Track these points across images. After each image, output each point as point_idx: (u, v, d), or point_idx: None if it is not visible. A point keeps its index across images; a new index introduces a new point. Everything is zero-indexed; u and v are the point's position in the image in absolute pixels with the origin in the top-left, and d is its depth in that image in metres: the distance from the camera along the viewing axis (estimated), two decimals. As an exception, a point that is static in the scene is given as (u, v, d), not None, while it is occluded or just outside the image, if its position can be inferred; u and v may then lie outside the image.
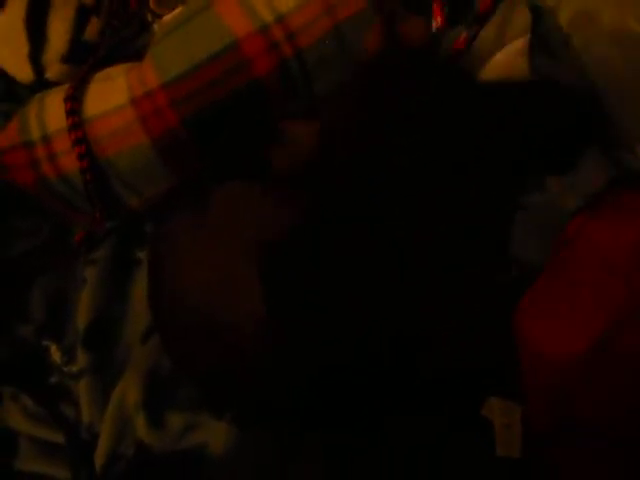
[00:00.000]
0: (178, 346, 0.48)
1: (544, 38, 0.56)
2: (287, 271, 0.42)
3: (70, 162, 0.45)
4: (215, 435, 0.50)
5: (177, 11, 0.55)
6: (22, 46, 0.51)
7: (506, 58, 0.55)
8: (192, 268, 0.44)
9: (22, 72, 0.52)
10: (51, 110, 0.46)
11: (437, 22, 0.52)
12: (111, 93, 0.45)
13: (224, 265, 0.43)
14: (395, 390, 0.44)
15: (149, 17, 0.58)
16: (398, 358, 0.43)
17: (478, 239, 0.46)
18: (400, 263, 0.43)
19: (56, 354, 0.55)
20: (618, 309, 0.37)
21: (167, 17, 0.58)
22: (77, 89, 0.46)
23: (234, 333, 0.43)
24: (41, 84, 0.52)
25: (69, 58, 0.52)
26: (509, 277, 0.48)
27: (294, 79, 0.46)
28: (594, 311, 0.38)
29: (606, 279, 0.39)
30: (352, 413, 0.45)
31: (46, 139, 0.46)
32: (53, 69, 0.52)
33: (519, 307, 0.43)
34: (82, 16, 0.53)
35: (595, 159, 0.50)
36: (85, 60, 0.51)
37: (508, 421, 0.46)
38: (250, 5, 0.44)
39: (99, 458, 0.51)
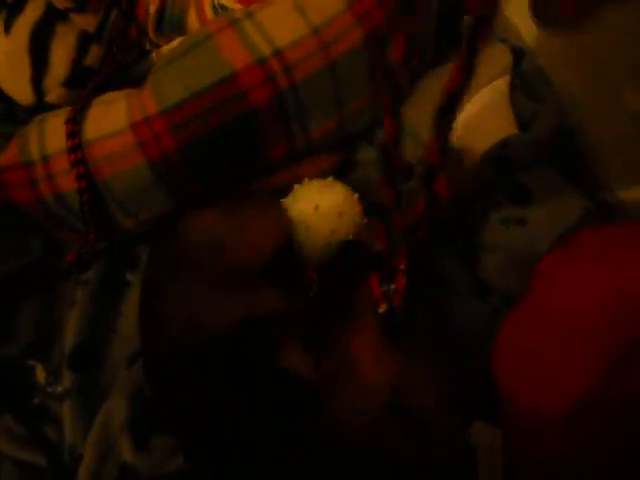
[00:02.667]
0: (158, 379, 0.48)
1: (525, 78, 0.59)
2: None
3: (68, 182, 0.46)
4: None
5: (176, 42, 0.57)
6: (25, 70, 0.52)
7: (490, 95, 0.57)
8: (172, 300, 0.45)
9: (23, 95, 0.53)
10: (52, 131, 0.47)
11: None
12: (111, 117, 0.46)
13: (196, 296, 0.44)
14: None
15: (148, 45, 0.60)
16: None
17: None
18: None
19: (41, 374, 0.55)
20: (590, 364, 0.37)
21: (165, 47, 0.60)
22: (78, 112, 0.47)
23: None
24: (41, 107, 0.53)
25: (70, 83, 0.53)
26: (489, 306, 0.49)
27: (288, 110, 0.47)
28: (568, 367, 0.37)
29: (573, 332, 0.38)
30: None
31: (45, 159, 0.46)
32: (54, 93, 0.53)
33: (495, 353, 0.43)
34: (84, 43, 0.54)
35: (571, 196, 0.52)
36: (85, 85, 0.53)
37: (489, 444, 0.46)
38: (249, 38, 0.46)
39: (82, 480, 0.50)
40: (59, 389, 0.54)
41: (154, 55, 0.60)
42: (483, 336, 0.44)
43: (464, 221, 0.52)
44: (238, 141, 0.47)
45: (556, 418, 0.37)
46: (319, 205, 0.46)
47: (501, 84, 0.58)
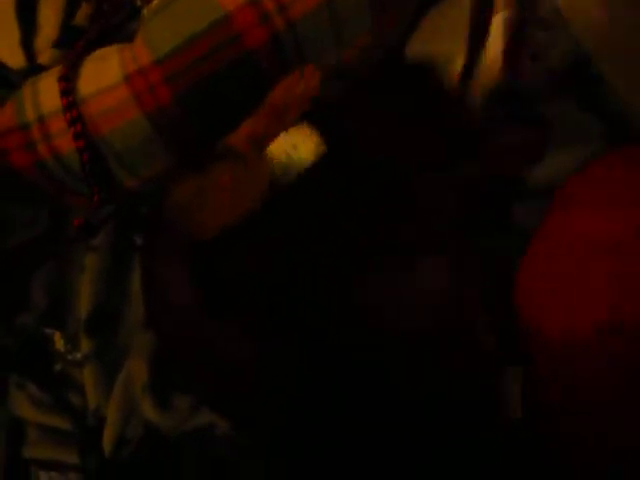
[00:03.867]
0: (172, 350, 0.48)
1: (533, 9, 0.56)
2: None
3: (66, 142, 0.45)
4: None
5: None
6: (13, 33, 0.51)
7: (496, 27, 0.55)
8: (176, 279, 0.45)
9: (14, 58, 0.52)
10: (45, 91, 0.46)
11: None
12: (104, 72, 0.45)
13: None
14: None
15: (139, 2, 0.59)
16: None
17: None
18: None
19: (59, 342, 0.55)
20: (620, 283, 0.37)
21: (155, 2, 0.58)
22: (70, 70, 0.46)
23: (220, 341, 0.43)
24: (33, 70, 0.52)
25: (60, 43, 0.52)
26: (508, 243, 0.48)
27: (287, 52, 0.46)
28: (597, 286, 0.37)
29: (600, 252, 0.38)
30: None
31: (41, 120, 0.46)
32: (45, 54, 0.52)
33: (519, 278, 0.42)
34: (72, 2, 0.53)
35: (591, 124, 0.50)
36: (76, 44, 0.52)
37: (508, 381, 0.46)
38: None
39: (107, 442, 0.51)
40: (78, 355, 0.54)
41: (145, 12, 0.59)
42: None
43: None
44: (236, 88, 0.46)
45: (586, 341, 0.36)
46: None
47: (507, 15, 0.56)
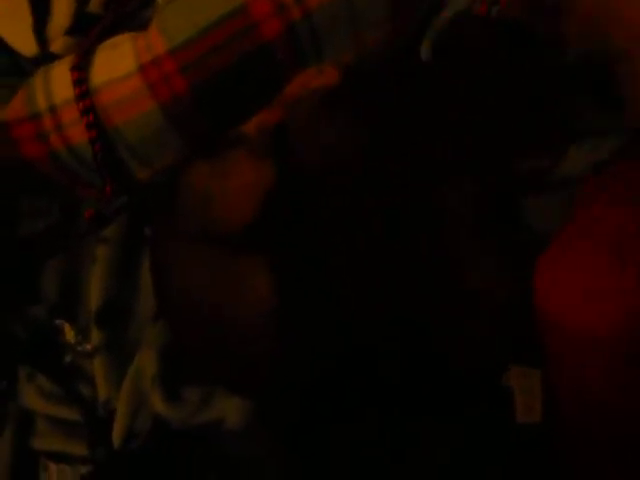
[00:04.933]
0: (187, 338, 0.48)
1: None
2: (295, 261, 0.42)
3: (79, 133, 0.45)
4: (231, 410, 0.50)
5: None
6: (26, 19, 0.50)
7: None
8: (193, 265, 0.45)
9: (26, 46, 0.51)
10: (58, 81, 0.46)
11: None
12: (118, 61, 0.45)
13: (220, 260, 0.43)
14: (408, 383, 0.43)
15: (153, -10, 0.58)
16: (408, 348, 0.43)
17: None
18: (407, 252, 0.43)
19: (70, 333, 0.55)
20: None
21: (171, -11, 0.57)
22: (83, 58, 0.45)
23: (241, 324, 0.43)
24: (46, 58, 0.51)
25: (73, 30, 0.51)
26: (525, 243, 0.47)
27: (303, 43, 0.45)
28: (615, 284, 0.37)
29: (620, 250, 0.38)
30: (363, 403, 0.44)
31: (53, 110, 0.45)
32: (58, 42, 0.51)
33: (538, 273, 0.42)
34: (85, -12, 0.52)
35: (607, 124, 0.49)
36: (90, 32, 0.51)
37: (528, 386, 0.45)
38: None
39: (116, 434, 0.51)
40: (88, 347, 0.54)
41: (160, 0, 0.58)
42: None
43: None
44: (252, 78, 0.45)
45: (602, 336, 0.35)
46: None
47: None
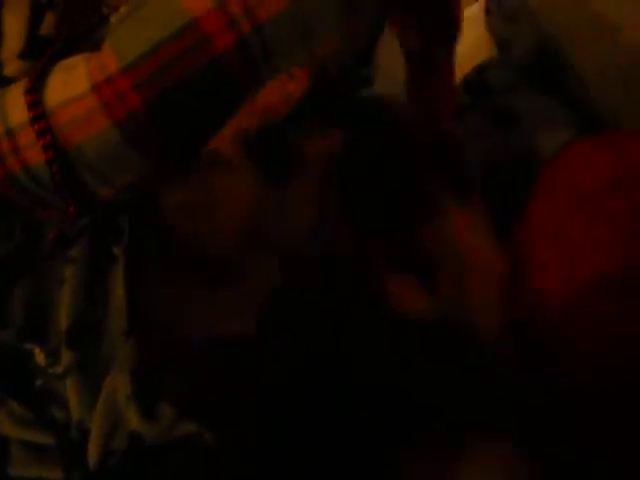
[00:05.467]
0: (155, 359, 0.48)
1: (500, 1, 0.56)
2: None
3: (35, 154, 0.45)
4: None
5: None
6: (-23, 45, 0.50)
7: (465, 22, 0.55)
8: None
9: (-21, 71, 0.51)
10: (12, 104, 0.45)
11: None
12: (71, 82, 0.45)
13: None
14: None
15: (105, 10, 0.58)
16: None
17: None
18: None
19: (40, 357, 0.54)
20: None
21: (123, 8, 0.57)
22: (37, 81, 0.45)
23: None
24: (0, 82, 0.51)
25: (26, 54, 0.52)
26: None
27: (255, 56, 0.45)
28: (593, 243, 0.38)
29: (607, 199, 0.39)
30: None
31: (10, 133, 0.45)
32: (11, 66, 0.52)
33: (521, 226, 0.42)
34: (37, 11, 0.52)
35: (559, 115, 0.51)
36: (43, 55, 0.51)
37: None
38: None
39: (92, 455, 0.50)
40: (59, 369, 0.54)
41: (113, 19, 0.58)
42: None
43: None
44: (207, 92, 0.45)
45: (588, 298, 0.36)
46: None
47: (476, 9, 0.57)
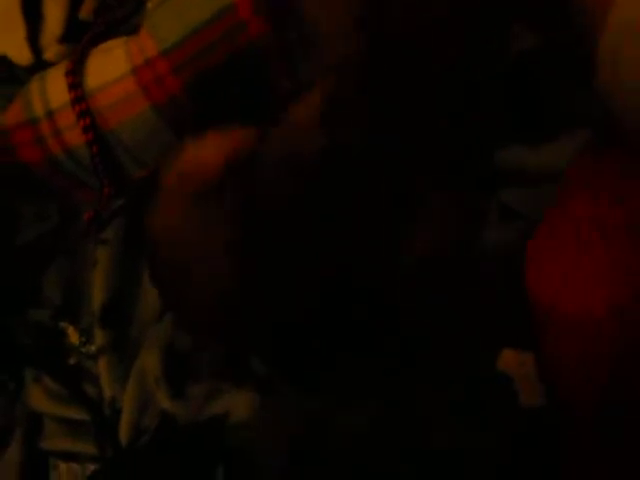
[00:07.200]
0: (163, 278, 0.48)
1: None
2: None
3: (75, 136, 0.46)
4: (237, 403, 0.50)
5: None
6: (19, 29, 0.51)
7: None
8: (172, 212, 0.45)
9: (21, 55, 0.52)
10: (53, 86, 0.47)
11: None
12: (111, 64, 0.46)
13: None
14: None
15: (143, -5, 0.59)
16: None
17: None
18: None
19: (74, 336, 0.56)
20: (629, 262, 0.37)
21: (160, -6, 0.58)
22: (77, 63, 0.46)
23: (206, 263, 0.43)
24: (41, 66, 0.52)
25: (66, 38, 0.52)
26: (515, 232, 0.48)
27: (292, 46, 0.46)
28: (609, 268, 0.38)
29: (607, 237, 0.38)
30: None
31: (50, 115, 0.46)
32: (51, 50, 0.52)
33: (528, 259, 0.42)
34: (76, -4, 0.53)
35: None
36: (82, 39, 0.52)
37: (525, 371, 0.46)
38: None
39: (124, 432, 0.51)
40: (92, 348, 0.55)
41: (149, 4, 0.59)
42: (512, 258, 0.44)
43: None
44: (245, 75, 0.46)
45: (600, 321, 0.36)
46: None
47: None
